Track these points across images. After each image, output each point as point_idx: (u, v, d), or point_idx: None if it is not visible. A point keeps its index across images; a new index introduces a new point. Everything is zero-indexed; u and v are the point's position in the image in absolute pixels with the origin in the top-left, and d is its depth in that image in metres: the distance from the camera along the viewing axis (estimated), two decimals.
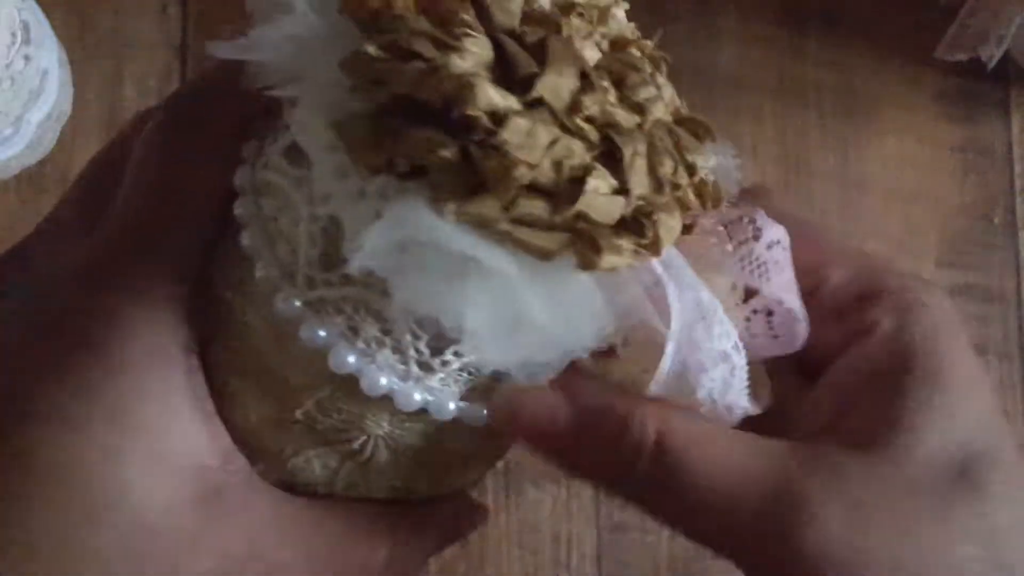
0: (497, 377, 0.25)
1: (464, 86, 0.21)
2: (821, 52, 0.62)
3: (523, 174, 0.21)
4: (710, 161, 0.24)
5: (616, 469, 0.24)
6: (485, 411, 0.25)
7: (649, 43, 0.25)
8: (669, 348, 0.23)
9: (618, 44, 0.25)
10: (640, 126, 0.23)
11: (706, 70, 0.62)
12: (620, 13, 0.25)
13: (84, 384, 0.23)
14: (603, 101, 0.22)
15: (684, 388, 0.23)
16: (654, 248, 0.22)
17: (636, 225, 0.22)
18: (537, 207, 0.21)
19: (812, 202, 0.61)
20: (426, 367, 0.24)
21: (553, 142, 0.21)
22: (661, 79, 0.25)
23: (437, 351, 0.24)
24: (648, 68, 0.24)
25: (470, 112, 0.21)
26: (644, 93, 0.23)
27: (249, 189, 0.25)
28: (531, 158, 0.21)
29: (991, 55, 0.59)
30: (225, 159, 0.25)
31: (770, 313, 0.25)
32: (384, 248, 0.21)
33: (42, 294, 0.25)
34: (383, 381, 0.24)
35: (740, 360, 0.24)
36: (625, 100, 0.23)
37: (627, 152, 0.22)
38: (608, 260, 0.21)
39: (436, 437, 0.25)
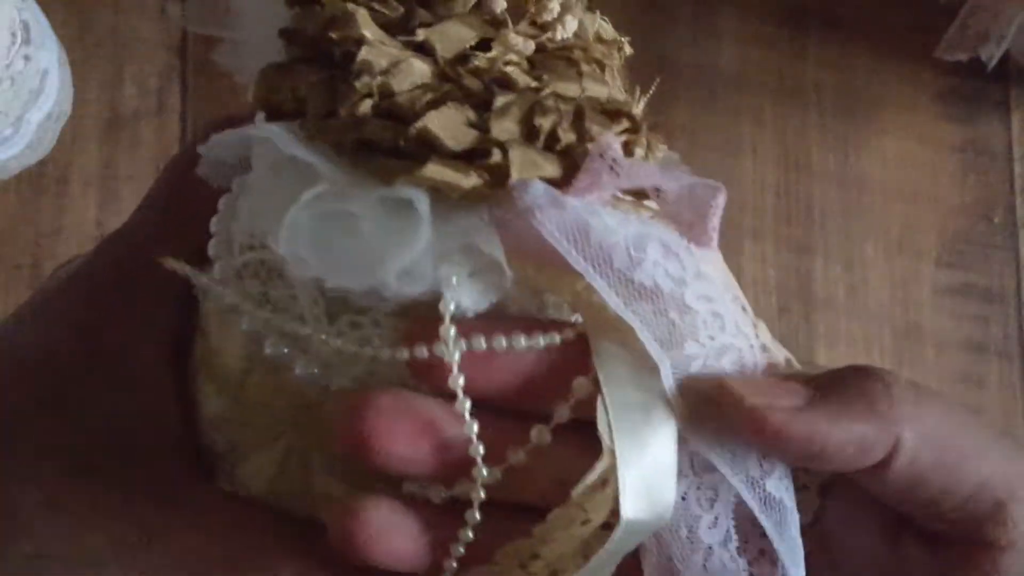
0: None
1: (344, 13, 0.22)
2: (821, 52, 0.62)
3: (368, 88, 0.22)
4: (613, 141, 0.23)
5: (874, 438, 0.23)
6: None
7: (598, 47, 0.25)
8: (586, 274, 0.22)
9: (565, 46, 0.25)
10: (537, 90, 0.23)
11: (706, 70, 0.62)
12: (572, 23, 0.25)
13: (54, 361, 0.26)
14: (498, 59, 0.23)
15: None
16: (498, 173, 0.22)
17: (483, 153, 0.22)
18: (386, 129, 0.22)
19: (812, 202, 0.61)
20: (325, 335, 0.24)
21: (425, 84, 0.22)
22: (598, 73, 0.25)
23: (333, 318, 0.24)
24: (584, 64, 0.24)
25: (334, 35, 0.22)
26: (555, 68, 0.24)
27: (237, 189, 0.26)
28: (396, 85, 0.22)
29: (991, 55, 0.59)
30: None
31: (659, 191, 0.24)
32: (227, 152, 0.23)
33: (59, 277, 0.28)
34: (284, 348, 0.24)
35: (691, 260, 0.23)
36: (531, 72, 0.23)
37: (499, 100, 0.22)
38: (432, 170, 0.21)
39: None
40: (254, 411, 0.25)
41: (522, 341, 0.23)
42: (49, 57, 0.54)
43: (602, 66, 0.25)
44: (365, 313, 0.23)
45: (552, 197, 0.22)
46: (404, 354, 0.23)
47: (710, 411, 0.24)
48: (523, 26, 0.24)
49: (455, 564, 0.23)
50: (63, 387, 0.25)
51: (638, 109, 0.25)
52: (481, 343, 0.23)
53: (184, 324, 0.26)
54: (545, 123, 0.22)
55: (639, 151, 0.24)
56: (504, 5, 0.24)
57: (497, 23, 0.24)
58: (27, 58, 0.52)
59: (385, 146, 0.22)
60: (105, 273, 0.27)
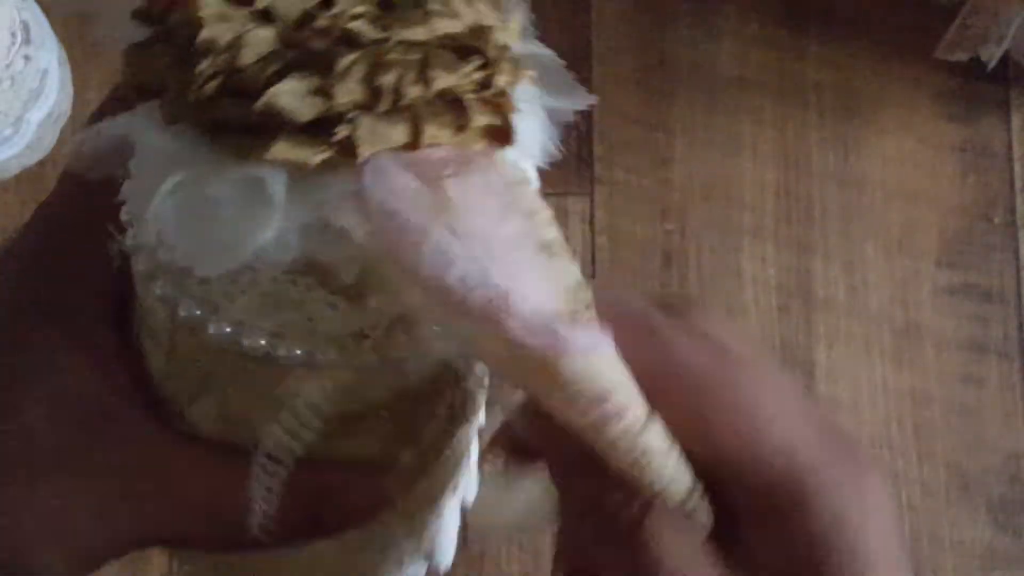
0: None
1: None
2: (821, 52, 0.62)
3: (213, 68, 0.22)
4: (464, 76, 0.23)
5: None
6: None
7: None
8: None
9: None
10: (382, 42, 0.22)
11: (706, 70, 0.62)
12: None
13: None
14: (343, 15, 0.22)
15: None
16: (345, 149, 0.22)
17: (329, 126, 0.22)
18: (237, 106, 0.22)
19: (812, 202, 0.61)
20: (228, 295, 0.24)
21: (270, 53, 0.22)
22: (449, 7, 0.24)
23: (234, 278, 0.24)
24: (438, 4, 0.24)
25: (173, 16, 0.22)
26: (401, 13, 0.23)
27: None
28: (241, 60, 0.22)
29: (991, 55, 0.59)
30: None
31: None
32: (102, 144, 0.23)
33: None
34: (196, 310, 0.24)
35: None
36: (379, 20, 0.23)
37: (342, 62, 0.22)
38: (279, 149, 0.21)
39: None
40: (186, 367, 0.26)
41: None
42: (49, 57, 0.54)
43: None
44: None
45: (382, 168, 0.22)
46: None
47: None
48: None
49: None
50: (13, 338, 0.26)
51: (508, 33, 0.24)
52: None
53: (125, 282, 0.26)
54: (387, 81, 0.22)
55: (501, 80, 0.23)
56: None
57: None
58: (27, 58, 0.52)
59: (239, 124, 0.22)
60: (42, 238, 0.27)
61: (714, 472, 0.23)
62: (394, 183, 0.22)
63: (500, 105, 0.23)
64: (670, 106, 0.61)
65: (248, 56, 0.22)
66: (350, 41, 0.22)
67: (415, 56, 0.22)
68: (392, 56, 0.22)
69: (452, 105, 0.23)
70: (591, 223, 0.60)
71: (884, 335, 0.60)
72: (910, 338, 0.60)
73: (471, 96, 0.23)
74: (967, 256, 0.61)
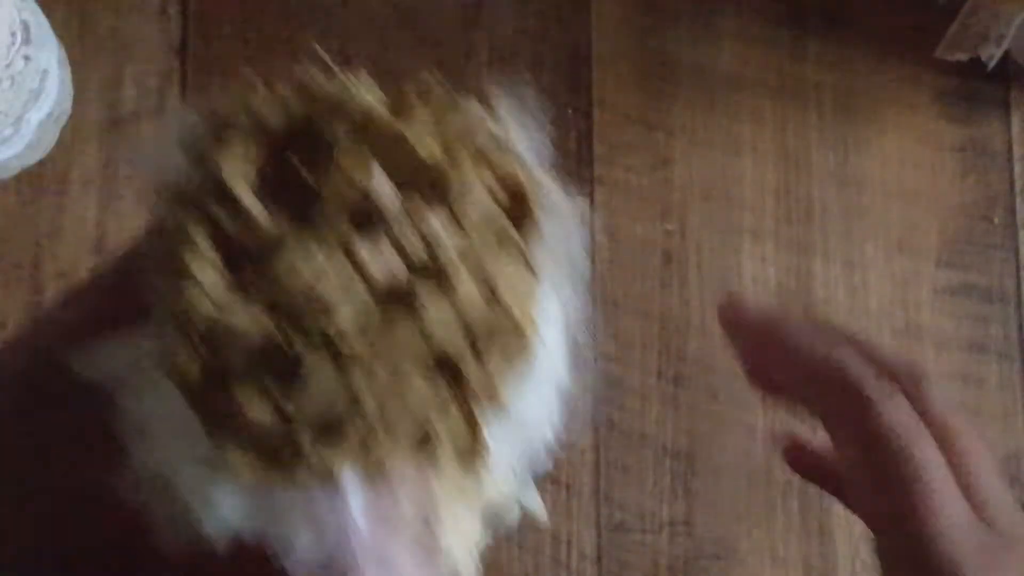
0: None
1: (180, 232, 0.22)
2: (821, 52, 0.62)
3: (192, 354, 0.21)
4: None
5: None
6: None
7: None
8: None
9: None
10: (363, 358, 0.21)
11: (706, 70, 0.62)
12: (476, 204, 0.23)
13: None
14: (329, 323, 0.21)
15: None
16: (293, 467, 0.21)
17: (288, 438, 0.21)
18: (212, 392, 0.22)
19: (812, 202, 0.61)
20: None
21: (248, 346, 0.21)
22: (475, 290, 0.22)
23: None
24: (461, 272, 0.22)
25: (163, 273, 0.22)
26: (395, 327, 0.22)
27: None
28: (223, 351, 0.21)
29: (991, 55, 0.59)
30: None
31: None
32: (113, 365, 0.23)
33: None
34: None
35: None
36: (366, 334, 0.21)
37: (312, 380, 0.21)
38: (232, 460, 0.21)
39: None
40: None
41: None
42: (49, 57, 0.54)
43: (505, 237, 0.23)
44: None
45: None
46: None
47: None
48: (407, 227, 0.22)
49: None
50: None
51: (522, 312, 0.23)
52: None
53: None
54: (346, 412, 0.21)
55: (479, 404, 0.22)
56: (393, 199, 0.22)
57: (375, 218, 0.22)
58: (27, 58, 0.52)
59: (217, 408, 0.21)
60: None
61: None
62: (339, 510, 0.21)
63: (472, 421, 0.22)
64: (670, 106, 0.61)
65: (226, 345, 0.21)
66: (333, 350, 0.21)
67: (387, 374, 0.21)
68: (361, 381, 0.21)
69: (419, 425, 0.22)
70: (591, 223, 0.60)
71: (884, 335, 0.60)
72: (910, 338, 0.60)
73: (440, 422, 0.22)
74: (967, 256, 0.61)
